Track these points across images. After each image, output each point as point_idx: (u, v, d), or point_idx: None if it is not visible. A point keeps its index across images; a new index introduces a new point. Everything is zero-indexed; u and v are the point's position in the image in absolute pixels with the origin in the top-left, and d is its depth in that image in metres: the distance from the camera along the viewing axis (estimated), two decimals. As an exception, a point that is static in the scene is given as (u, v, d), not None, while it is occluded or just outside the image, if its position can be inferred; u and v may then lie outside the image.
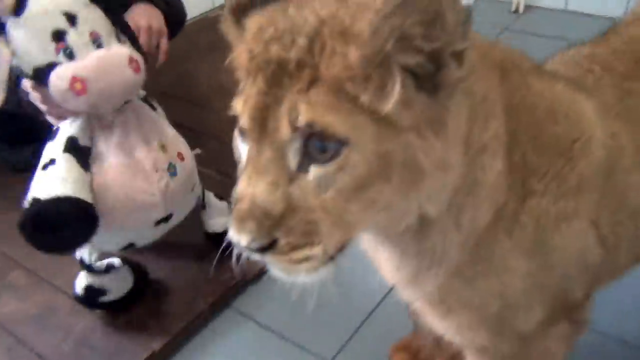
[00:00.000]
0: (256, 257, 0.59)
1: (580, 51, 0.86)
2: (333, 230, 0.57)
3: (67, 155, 1.12)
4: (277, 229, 0.55)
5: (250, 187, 0.56)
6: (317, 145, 0.54)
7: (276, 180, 0.55)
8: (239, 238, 0.56)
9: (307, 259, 0.57)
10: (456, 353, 1.00)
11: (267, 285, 1.42)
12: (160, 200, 1.19)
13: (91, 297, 1.30)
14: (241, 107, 0.58)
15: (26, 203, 1.08)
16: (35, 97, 1.20)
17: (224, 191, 1.42)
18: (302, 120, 0.53)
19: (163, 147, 1.22)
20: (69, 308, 1.37)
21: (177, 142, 1.28)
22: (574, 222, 0.71)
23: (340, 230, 0.58)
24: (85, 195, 1.10)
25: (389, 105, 0.53)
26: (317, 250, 0.57)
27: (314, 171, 0.55)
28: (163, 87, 1.52)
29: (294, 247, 0.56)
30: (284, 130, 0.54)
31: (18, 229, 1.06)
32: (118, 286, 1.32)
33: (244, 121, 0.57)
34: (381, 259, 0.79)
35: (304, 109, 0.53)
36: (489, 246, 0.69)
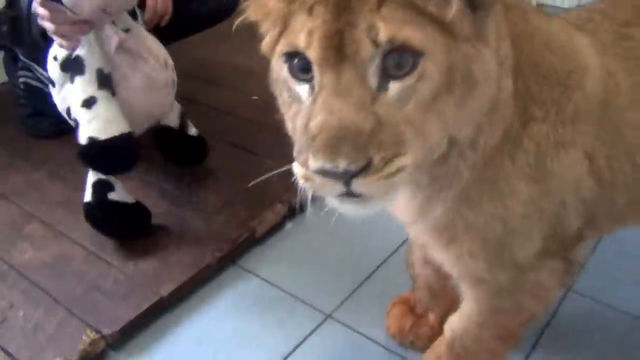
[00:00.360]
0: (336, 190, 0.58)
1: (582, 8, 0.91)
2: (417, 140, 0.60)
3: (103, 93, 1.30)
4: (369, 147, 0.56)
5: (333, 114, 0.56)
6: (395, 60, 0.57)
7: (361, 99, 0.57)
8: (335, 164, 0.55)
9: (399, 169, 0.58)
10: (450, 309, 1.02)
11: (272, 245, 1.46)
12: (168, 110, 1.53)
13: (101, 194, 1.38)
14: (306, 41, 0.58)
15: (83, 139, 1.30)
16: (44, 16, 1.27)
17: (239, 163, 1.49)
18: (382, 36, 0.56)
19: (166, 64, 1.46)
20: (82, 258, 1.42)
21: (168, 56, 1.49)
22: (570, 150, 0.76)
23: (422, 139, 0.61)
24: (124, 126, 1.31)
25: (452, 10, 0.58)
26: (408, 160, 0.59)
27: (393, 87, 0.59)
28: (181, 68, 1.62)
29: (387, 161, 0.57)
30: (366, 49, 0.57)
31: (79, 158, 1.32)
32: (123, 189, 1.42)
33: (313, 53, 0.58)
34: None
35: (383, 26, 0.56)
36: (495, 167, 0.74)
